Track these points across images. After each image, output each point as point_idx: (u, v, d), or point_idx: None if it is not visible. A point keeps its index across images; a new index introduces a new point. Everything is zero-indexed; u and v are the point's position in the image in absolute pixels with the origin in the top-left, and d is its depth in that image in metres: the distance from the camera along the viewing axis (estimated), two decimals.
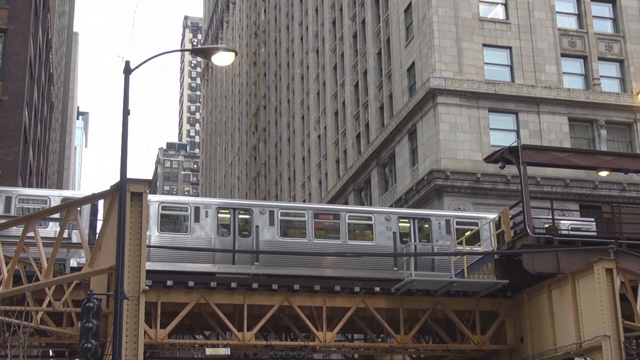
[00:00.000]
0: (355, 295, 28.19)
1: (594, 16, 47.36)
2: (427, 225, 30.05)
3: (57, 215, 25.09)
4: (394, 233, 29.20)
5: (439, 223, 29.99)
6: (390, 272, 28.79)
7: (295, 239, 28.46)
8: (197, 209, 27.59)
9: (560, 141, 43.56)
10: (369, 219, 29.67)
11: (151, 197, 27.46)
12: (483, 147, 41.86)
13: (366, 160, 52.43)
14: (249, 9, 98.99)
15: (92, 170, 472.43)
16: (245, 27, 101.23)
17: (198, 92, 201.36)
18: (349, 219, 29.27)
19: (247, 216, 28.30)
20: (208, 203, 28.30)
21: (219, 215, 27.88)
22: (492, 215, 31.52)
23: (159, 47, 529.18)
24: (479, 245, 29.88)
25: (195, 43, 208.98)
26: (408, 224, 29.86)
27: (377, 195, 50.43)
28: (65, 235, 23.98)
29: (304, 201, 67.44)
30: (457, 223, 30.43)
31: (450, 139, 42.17)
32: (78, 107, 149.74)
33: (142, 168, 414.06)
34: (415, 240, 29.58)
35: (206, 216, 27.54)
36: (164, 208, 27.53)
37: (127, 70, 18.90)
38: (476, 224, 30.64)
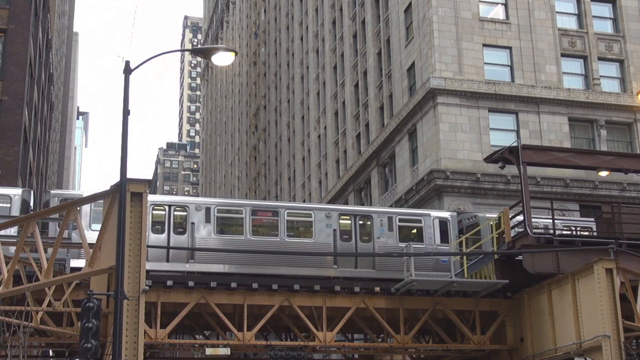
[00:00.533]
0: (355, 295, 28.19)
1: (594, 16, 47.35)
2: (369, 223, 29.59)
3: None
4: (334, 230, 28.84)
5: (381, 220, 29.52)
6: (331, 270, 28.44)
7: (231, 236, 28.09)
8: None
9: (560, 141, 43.56)
10: (309, 216, 29.21)
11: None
12: (483, 147, 41.86)
13: (366, 160, 52.43)
14: (249, 9, 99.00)
15: (92, 170, 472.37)
16: (245, 27, 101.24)
17: (198, 92, 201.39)
18: (287, 215, 28.83)
19: (182, 213, 27.89)
20: None
21: (154, 212, 27.33)
22: (437, 213, 31.33)
23: (159, 47, 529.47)
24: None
25: (195, 43, 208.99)
26: (349, 221, 29.42)
27: (377, 195, 50.44)
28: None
29: (304, 201, 67.45)
30: (400, 220, 30.01)
31: (450, 139, 42.16)
32: (78, 107, 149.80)
33: (142, 168, 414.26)
34: (356, 238, 29.12)
35: None
36: (97, 204, 27.25)
37: (127, 70, 18.90)
38: (419, 221, 30.23)
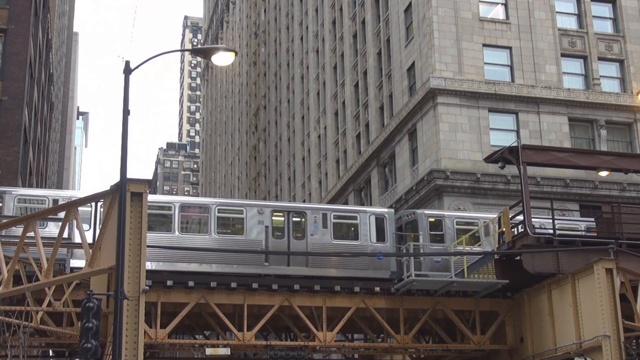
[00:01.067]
0: (355, 295, 28.19)
1: (594, 16, 47.35)
2: (302, 219, 29.06)
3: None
4: (266, 227, 28.33)
5: (315, 217, 28.98)
6: (261, 267, 27.92)
7: (159, 233, 27.51)
8: (55, 202, 26.66)
9: (560, 141, 43.55)
10: (240, 212, 28.72)
11: (9, 189, 27.32)
12: (483, 147, 41.86)
13: (366, 160, 52.43)
14: (249, 9, 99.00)
15: (92, 170, 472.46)
16: (245, 27, 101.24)
17: (198, 92, 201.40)
18: (218, 212, 28.35)
19: None
20: (65, 196, 27.35)
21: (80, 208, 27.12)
22: (374, 209, 30.97)
23: (159, 47, 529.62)
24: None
25: (195, 43, 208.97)
26: (282, 218, 28.89)
27: (377, 196, 50.43)
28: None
29: (304, 201, 67.43)
30: (335, 217, 29.45)
31: (450, 139, 42.16)
32: (78, 107, 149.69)
33: (142, 168, 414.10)
34: (289, 235, 28.59)
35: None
36: (19, 201, 26.99)
37: (127, 70, 18.90)
38: (355, 218, 29.69)
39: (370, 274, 28.55)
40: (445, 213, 31.76)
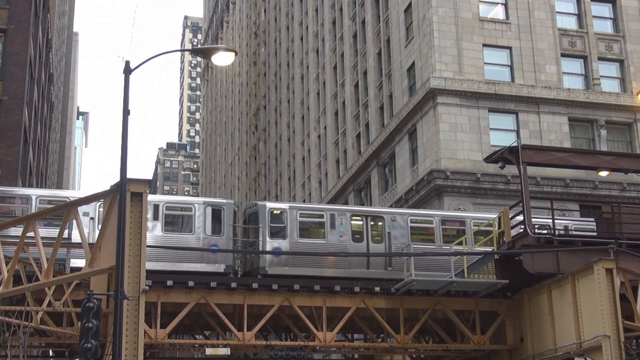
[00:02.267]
0: (355, 295, 28.18)
1: (594, 16, 47.35)
2: None
3: None
4: (92, 219, 27.04)
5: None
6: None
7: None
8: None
9: (560, 141, 43.55)
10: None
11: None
12: (483, 147, 41.86)
13: (366, 160, 52.43)
14: (249, 9, 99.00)
15: (92, 170, 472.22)
16: (245, 27, 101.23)
17: (198, 92, 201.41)
18: (40, 203, 27.09)
19: None
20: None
21: None
22: (212, 199, 30.07)
23: (159, 47, 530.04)
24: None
25: (195, 43, 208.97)
26: None
27: (377, 196, 50.44)
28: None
29: (304, 202, 67.44)
30: (167, 208, 27.99)
31: (450, 139, 42.16)
32: (78, 107, 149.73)
33: (142, 168, 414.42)
34: None
35: None
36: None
37: (127, 70, 18.90)
38: (189, 209, 28.23)
39: (204, 267, 27.65)
40: (288, 205, 30.46)
